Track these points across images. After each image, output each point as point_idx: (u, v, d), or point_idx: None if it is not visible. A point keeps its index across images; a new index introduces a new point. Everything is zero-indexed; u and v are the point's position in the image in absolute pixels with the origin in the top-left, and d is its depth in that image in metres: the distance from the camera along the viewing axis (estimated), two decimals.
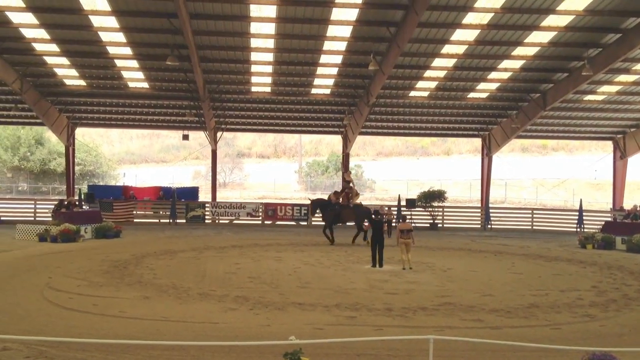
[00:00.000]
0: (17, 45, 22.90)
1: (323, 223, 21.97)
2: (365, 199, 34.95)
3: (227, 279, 13.27)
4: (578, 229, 27.37)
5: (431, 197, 29.82)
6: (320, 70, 25.06)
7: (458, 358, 7.72)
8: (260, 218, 29.94)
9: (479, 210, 32.02)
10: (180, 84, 26.33)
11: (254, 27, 21.37)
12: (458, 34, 21.37)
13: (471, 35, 21.48)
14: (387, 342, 7.95)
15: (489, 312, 10.36)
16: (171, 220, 28.75)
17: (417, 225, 26.90)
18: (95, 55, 23.67)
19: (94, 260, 15.75)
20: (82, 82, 26.48)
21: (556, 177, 48.30)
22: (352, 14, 20.14)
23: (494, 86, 26.53)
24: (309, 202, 23.90)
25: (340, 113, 29.54)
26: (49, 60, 24.34)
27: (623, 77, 25.06)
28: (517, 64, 24.06)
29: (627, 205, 29.54)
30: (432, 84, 26.16)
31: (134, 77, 25.97)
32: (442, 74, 24.94)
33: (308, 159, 65.32)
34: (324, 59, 23.81)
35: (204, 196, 36.73)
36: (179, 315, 9.69)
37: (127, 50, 23.25)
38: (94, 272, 13.80)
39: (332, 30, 21.38)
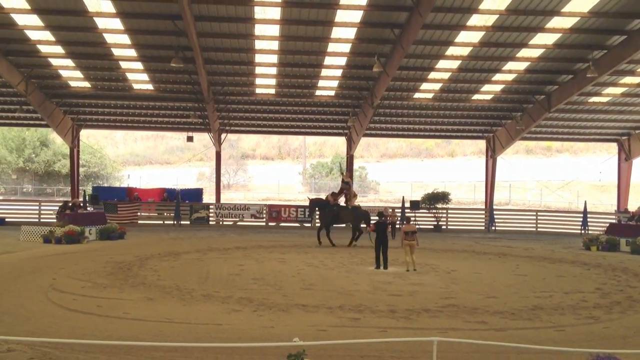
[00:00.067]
0: (22, 47, 23.02)
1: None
2: (369, 200, 34.95)
3: (230, 281, 13.26)
4: (582, 231, 27.30)
5: (435, 199, 29.78)
6: (324, 72, 25.08)
7: None
8: (264, 220, 29.99)
9: (483, 212, 31.95)
10: (185, 85, 26.40)
11: (259, 29, 21.41)
12: (462, 36, 21.35)
13: (476, 37, 21.45)
14: (390, 344, 7.93)
15: (493, 314, 10.33)
16: (175, 222, 28.81)
17: (421, 227, 26.86)
18: (100, 57, 23.76)
19: (98, 261, 15.76)
20: (87, 84, 26.57)
21: (561, 179, 48.10)
22: (357, 16, 20.14)
23: (498, 88, 26.49)
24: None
25: (345, 115, 29.54)
26: (54, 62, 24.46)
27: (628, 79, 24.99)
28: (522, 66, 24.02)
29: (632, 207, 29.42)
30: (437, 86, 26.15)
31: (139, 79, 26.06)
32: (446, 75, 24.92)
33: (312, 161, 65.27)
34: (328, 60, 23.84)
35: (208, 198, 36.86)
36: (182, 316, 9.68)
37: (132, 52, 23.34)
38: (98, 273, 13.82)
39: (336, 32, 21.40)
